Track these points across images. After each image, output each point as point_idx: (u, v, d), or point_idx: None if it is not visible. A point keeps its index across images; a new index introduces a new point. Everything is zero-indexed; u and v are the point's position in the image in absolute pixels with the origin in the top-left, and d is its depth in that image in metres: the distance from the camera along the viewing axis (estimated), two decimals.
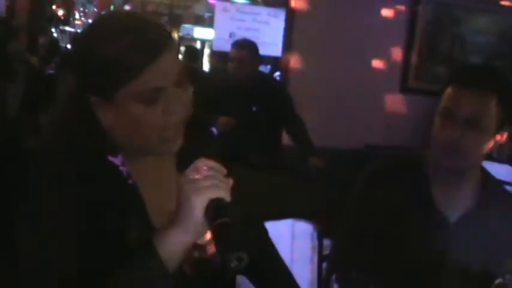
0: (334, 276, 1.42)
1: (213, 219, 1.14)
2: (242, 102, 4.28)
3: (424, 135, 1.99)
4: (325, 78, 5.21)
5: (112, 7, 12.19)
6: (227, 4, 5.84)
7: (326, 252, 2.28)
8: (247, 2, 7.10)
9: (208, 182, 1.16)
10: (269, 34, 5.58)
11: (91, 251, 1.19)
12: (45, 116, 4.15)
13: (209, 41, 11.67)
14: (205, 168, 1.19)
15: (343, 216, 1.99)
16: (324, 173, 4.21)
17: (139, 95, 1.20)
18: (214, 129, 4.15)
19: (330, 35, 5.25)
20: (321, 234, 2.33)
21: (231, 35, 5.38)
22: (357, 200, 1.96)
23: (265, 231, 1.69)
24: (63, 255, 1.18)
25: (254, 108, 4.30)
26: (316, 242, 2.34)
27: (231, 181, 1.21)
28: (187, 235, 1.18)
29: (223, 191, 1.17)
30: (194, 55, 8.28)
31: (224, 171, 1.21)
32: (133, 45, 1.18)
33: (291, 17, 5.25)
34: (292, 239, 2.35)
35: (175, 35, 13.34)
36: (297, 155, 4.46)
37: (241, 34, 5.31)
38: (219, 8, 5.62)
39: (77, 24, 13.41)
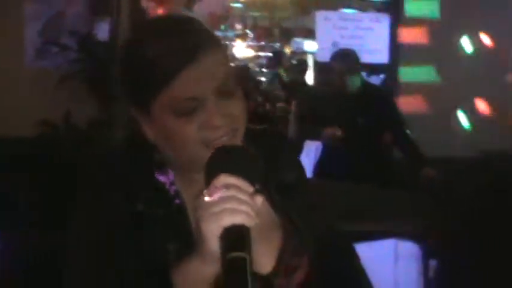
0: None
1: (225, 253, 0.95)
2: (347, 114, 4.17)
3: None
4: (435, 83, 4.95)
5: (223, 26, 12.35)
6: (328, 13, 5.67)
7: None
8: (353, 10, 6.88)
9: (224, 206, 0.97)
10: (374, 40, 5.32)
11: (130, 275, 1.11)
12: None
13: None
14: (223, 187, 0.99)
15: (452, 235, 1.81)
16: (437, 185, 3.97)
17: (173, 106, 1.10)
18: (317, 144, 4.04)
19: (441, 37, 5.01)
20: (427, 255, 2.15)
21: (334, 44, 5.17)
22: (466, 217, 1.77)
23: (354, 256, 1.57)
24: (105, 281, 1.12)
25: (359, 120, 4.17)
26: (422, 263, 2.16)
27: (259, 200, 1.01)
28: (206, 266, 1.03)
29: (241, 216, 0.97)
30: (302, 68, 8.23)
31: (249, 189, 1.00)
32: (167, 49, 1.09)
33: (396, 21, 5.09)
34: (396, 261, 2.17)
35: (288, 50, 13.28)
36: (407, 168, 4.29)
37: (344, 43, 5.12)
38: (320, 17, 5.44)
39: None
